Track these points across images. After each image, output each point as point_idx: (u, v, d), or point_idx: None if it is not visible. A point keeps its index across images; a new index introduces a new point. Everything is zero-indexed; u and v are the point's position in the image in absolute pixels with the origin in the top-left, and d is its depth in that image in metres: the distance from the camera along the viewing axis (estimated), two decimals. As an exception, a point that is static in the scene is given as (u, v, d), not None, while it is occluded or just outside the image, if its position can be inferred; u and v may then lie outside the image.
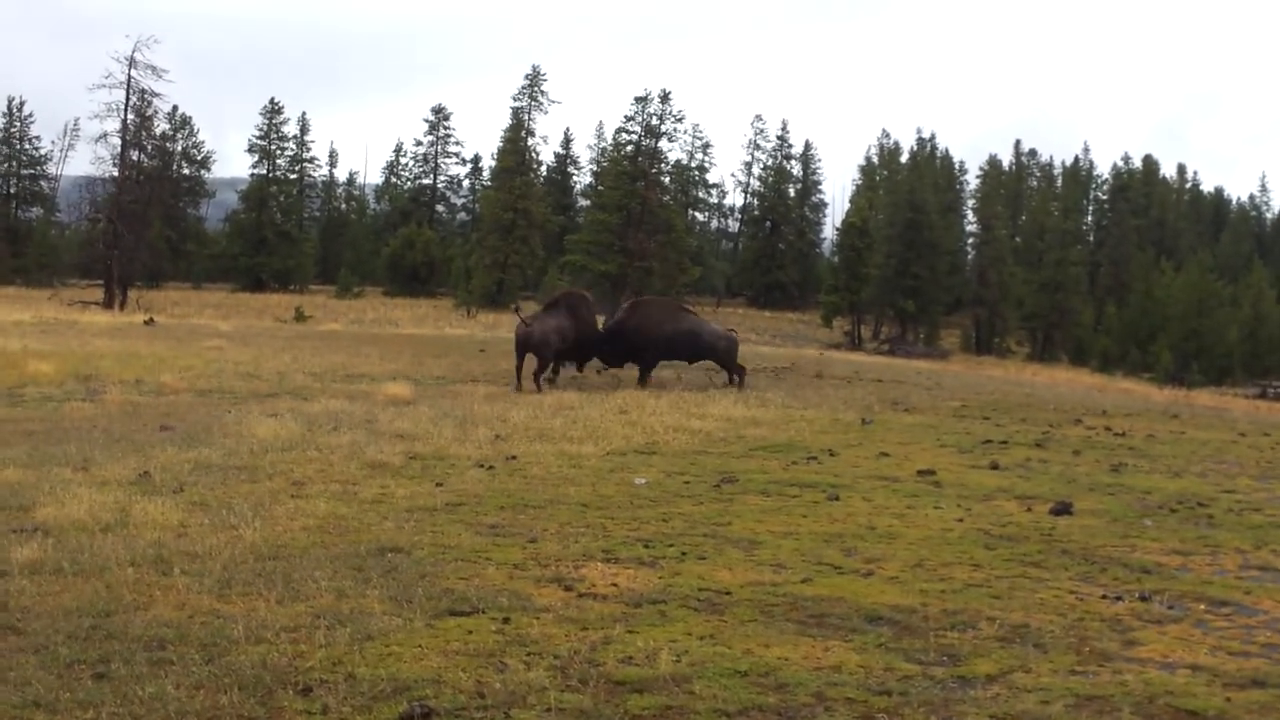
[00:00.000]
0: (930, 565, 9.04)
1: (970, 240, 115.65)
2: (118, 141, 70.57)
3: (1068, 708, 6.01)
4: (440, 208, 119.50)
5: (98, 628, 6.81)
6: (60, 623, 6.89)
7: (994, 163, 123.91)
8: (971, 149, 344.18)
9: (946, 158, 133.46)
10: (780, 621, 7.40)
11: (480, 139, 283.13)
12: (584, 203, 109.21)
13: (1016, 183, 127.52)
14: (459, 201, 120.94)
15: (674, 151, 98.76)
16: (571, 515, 10.61)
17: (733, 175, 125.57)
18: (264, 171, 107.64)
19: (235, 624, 6.86)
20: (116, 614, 7.08)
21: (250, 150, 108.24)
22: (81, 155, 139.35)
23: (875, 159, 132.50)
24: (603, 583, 8.18)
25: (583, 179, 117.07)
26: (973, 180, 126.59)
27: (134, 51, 69.86)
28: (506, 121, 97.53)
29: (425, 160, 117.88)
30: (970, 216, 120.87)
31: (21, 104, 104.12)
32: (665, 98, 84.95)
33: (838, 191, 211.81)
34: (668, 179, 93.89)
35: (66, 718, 5.52)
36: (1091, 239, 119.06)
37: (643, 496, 11.70)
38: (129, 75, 69.79)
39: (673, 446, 15.38)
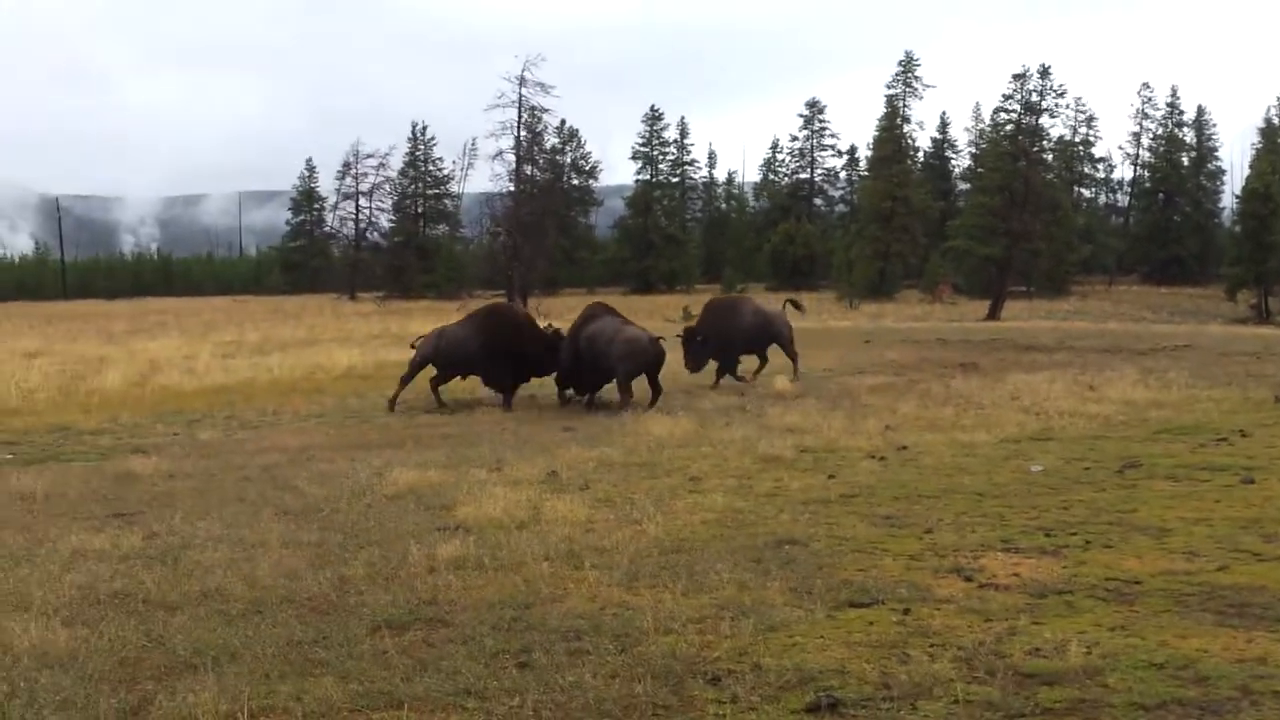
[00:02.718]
0: (1363, 551, 8.41)
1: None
2: (512, 158, 74.31)
3: None
4: (818, 201, 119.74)
5: (518, 619, 7.20)
6: (484, 615, 7.32)
7: None
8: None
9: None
10: (1196, 612, 7.05)
11: (855, 129, 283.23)
12: (964, 186, 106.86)
13: None
14: (836, 194, 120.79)
15: (1056, 127, 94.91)
16: (967, 504, 10.45)
17: (1120, 148, 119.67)
18: (647, 177, 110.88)
19: (644, 615, 7.11)
20: (534, 606, 7.47)
21: (634, 157, 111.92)
22: (480, 173, 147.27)
23: (1276, 119, 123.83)
24: (1003, 573, 8.03)
25: (961, 162, 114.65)
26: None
27: (523, 71, 73.56)
28: (881, 110, 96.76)
29: (801, 155, 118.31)
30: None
31: (425, 128, 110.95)
32: (1045, 73, 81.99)
33: (1236, 157, 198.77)
34: (1050, 156, 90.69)
35: (495, 705, 5.84)
36: None
37: (1040, 484, 11.39)
38: (520, 94, 73.56)
39: (1069, 432, 14.88)
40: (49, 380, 25.43)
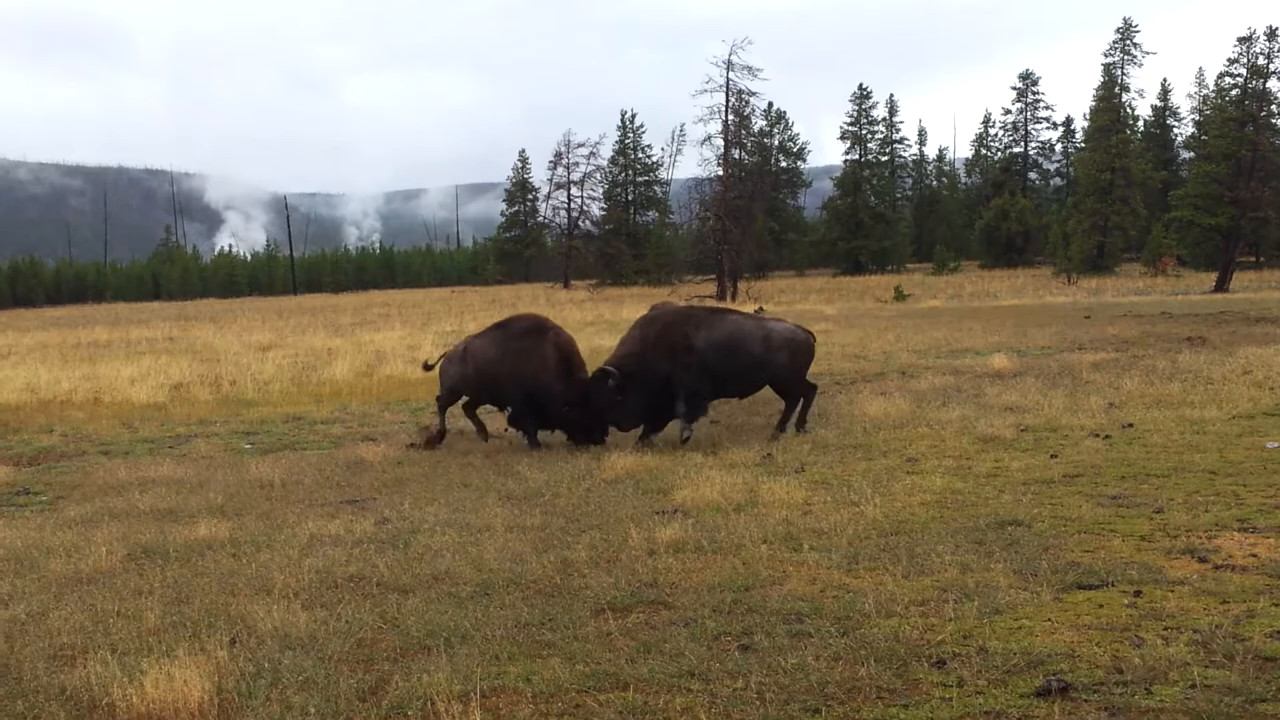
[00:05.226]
0: None
1: None
2: (720, 142, 74.44)
3: None
4: (1032, 175, 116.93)
5: (739, 602, 7.24)
6: (704, 597, 7.38)
7: None
8: None
9: None
10: None
11: (1071, 100, 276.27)
12: (1187, 155, 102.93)
13: None
14: (1051, 167, 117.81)
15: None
16: (1199, 483, 10.10)
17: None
18: (856, 157, 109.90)
19: (865, 598, 7.09)
20: (754, 589, 7.50)
21: (842, 137, 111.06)
22: (689, 159, 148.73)
23: None
24: (1240, 553, 7.74)
25: (1184, 130, 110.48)
26: None
27: (730, 55, 73.59)
28: (1098, 79, 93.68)
29: (1015, 128, 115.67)
30: None
31: (634, 116, 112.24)
32: (1272, 34, 78.14)
33: None
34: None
35: (718, 687, 5.89)
36: None
37: (1277, 461, 10.93)
38: (727, 78, 73.60)
39: (1308, 407, 14.25)
40: (282, 372, 26.49)
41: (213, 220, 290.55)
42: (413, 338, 36.96)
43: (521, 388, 14.75)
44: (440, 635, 6.85)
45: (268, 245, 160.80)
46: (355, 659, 6.59)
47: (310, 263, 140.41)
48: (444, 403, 16.00)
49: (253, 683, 6.19)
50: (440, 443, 15.13)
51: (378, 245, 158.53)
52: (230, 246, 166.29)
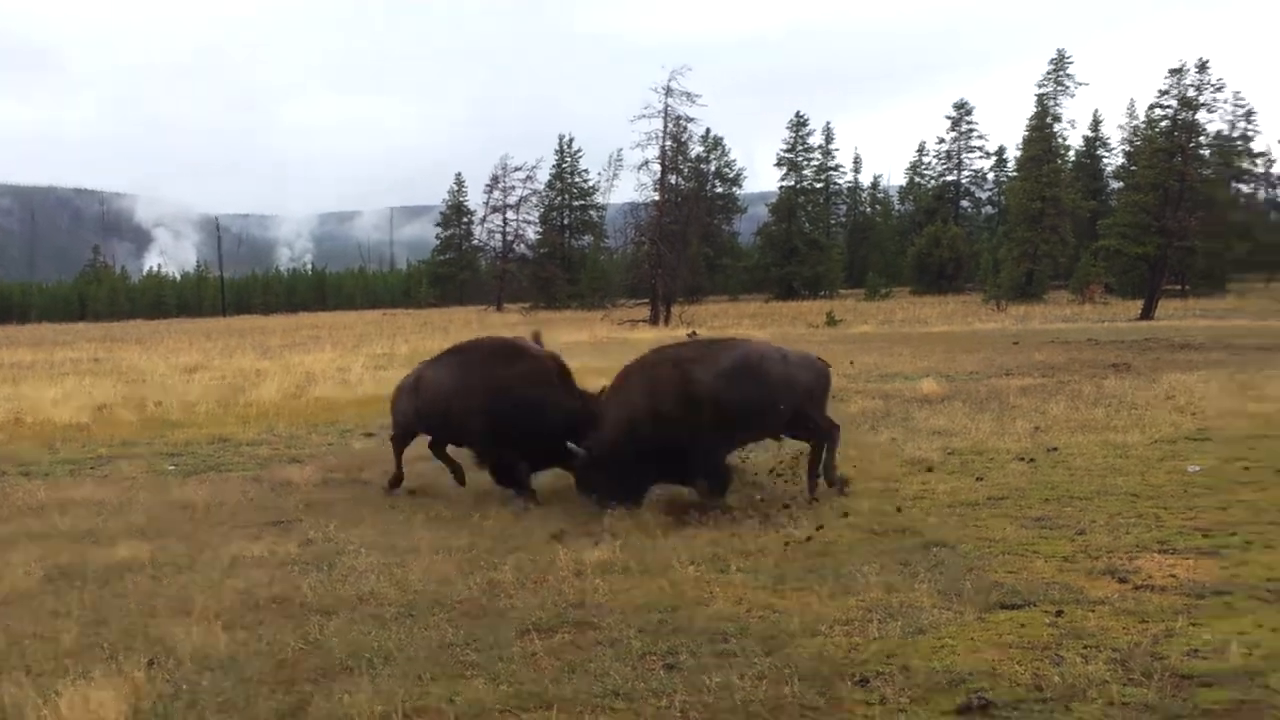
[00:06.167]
0: None
1: None
2: (657, 168, 74.64)
3: None
4: (965, 203, 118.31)
5: (665, 622, 7.24)
6: (631, 618, 7.38)
7: None
8: None
9: None
10: (1365, 614, 6.82)
11: (1004, 130, 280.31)
12: (1116, 185, 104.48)
13: None
14: (984, 195, 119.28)
15: (1214, 123, 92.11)
16: (1121, 506, 10.25)
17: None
18: (791, 183, 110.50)
19: (791, 618, 7.11)
20: (681, 609, 7.50)
21: (778, 164, 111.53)
22: (625, 183, 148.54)
23: None
24: (1160, 574, 7.86)
25: (1114, 160, 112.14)
26: None
27: (670, 81, 73.89)
28: (1031, 109, 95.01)
29: (948, 157, 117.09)
30: None
31: (570, 140, 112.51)
32: (1203, 67, 79.59)
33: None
34: (1207, 152, 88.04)
35: (643, 706, 5.90)
36: None
37: (1198, 484, 11.11)
38: (665, 104, 73.85)
39: (1227, 432, 14.46)
40: (209, 393, 26.17)
41: (142, 240, 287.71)
42: (343, 360, 36.69)
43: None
44: (363, 656, 6.79)
45: (198, 266, 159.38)
46: (276, 680, 6.51)
47: (240, 284, 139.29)
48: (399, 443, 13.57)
49: (170, 704, 6.11)
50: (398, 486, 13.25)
51: (310, 266, 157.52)
52: (159, 266, 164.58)
